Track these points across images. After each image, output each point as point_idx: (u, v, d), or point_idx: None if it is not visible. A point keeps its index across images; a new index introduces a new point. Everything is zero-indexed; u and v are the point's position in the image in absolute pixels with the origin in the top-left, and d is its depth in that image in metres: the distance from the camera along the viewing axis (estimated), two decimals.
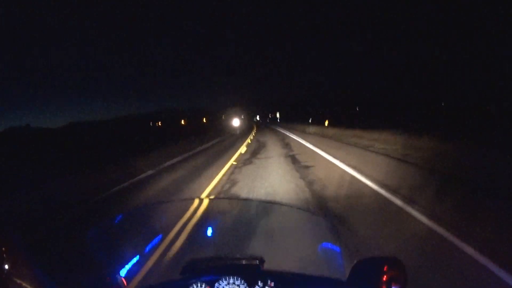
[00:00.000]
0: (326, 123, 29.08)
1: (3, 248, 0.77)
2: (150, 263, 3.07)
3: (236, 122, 75.18)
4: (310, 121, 36.55)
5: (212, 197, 6.66)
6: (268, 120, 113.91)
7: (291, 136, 24.10)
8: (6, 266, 0.74)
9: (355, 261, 1.11)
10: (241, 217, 4.38)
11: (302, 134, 25.13)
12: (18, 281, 0.74)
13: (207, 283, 1.22)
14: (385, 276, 1.02)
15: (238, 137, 30.05)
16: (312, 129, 29.21)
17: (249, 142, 21.55)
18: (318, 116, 44.89)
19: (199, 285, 1.22)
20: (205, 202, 5.22)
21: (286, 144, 17.50)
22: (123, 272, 1.77)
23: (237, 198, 6.06)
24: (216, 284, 1.21)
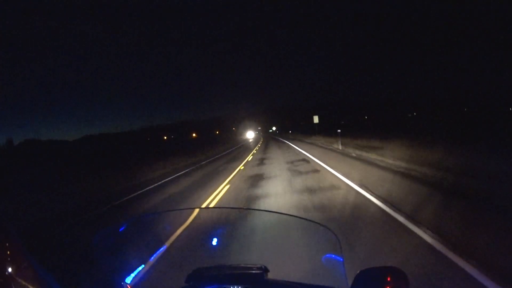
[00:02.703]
0: None
1: (6, 250, 0.76)
2: (155, 271, 3.10)
3: (250, 134, 73.73)
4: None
5: (213, 206, 6.74)
6: (290, 132, 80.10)
7: None
8: (9, 268, 0.73)
9: (358, 271, 1.10)
10: (244, 227, 4.38)
11: None
12: (22, 282, 0.73)
13: None
14: (387, 287, 1.01)
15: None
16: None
17: None
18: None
19: None
20: (207, 211, 5.21)
21: None
22: (128, 280, 1.81)
23: (240, 208, 6.03)
24: None
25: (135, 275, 2.02)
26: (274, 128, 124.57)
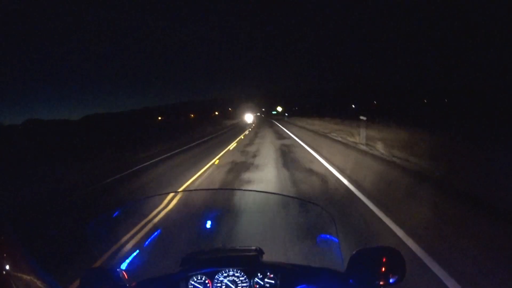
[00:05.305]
0: None
1: (4, 247, 0.76)
2: (150, 256, 3.16)
3: (249, 118, 71.89)
4: None
5: (209, 188, 6.72)
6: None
7: None
8: (7, 265, 0.73)
9: (353, 252, 1.10)
10: (238, 208, 4.38)
11: None
12: (20, 280, 0.74)
13: (207, 275, 1.24)
14: (383, 268, 1.02)
15: None
16: None
17: None
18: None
19: (199, 277, 1.24)
20: (199, 193, 5.18)
21: None
22: (124, 266, 1.86)
23: (234, 189, 6.04)
24: (216, 276, 1.23)
25: (130, 261, 2.07)
26: (279, 109, 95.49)
